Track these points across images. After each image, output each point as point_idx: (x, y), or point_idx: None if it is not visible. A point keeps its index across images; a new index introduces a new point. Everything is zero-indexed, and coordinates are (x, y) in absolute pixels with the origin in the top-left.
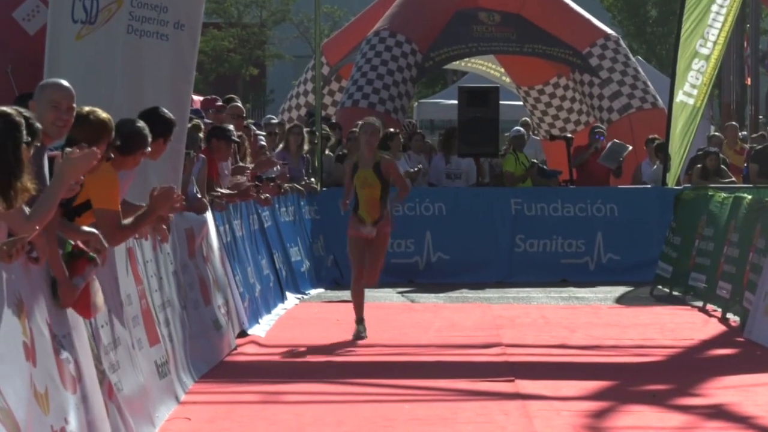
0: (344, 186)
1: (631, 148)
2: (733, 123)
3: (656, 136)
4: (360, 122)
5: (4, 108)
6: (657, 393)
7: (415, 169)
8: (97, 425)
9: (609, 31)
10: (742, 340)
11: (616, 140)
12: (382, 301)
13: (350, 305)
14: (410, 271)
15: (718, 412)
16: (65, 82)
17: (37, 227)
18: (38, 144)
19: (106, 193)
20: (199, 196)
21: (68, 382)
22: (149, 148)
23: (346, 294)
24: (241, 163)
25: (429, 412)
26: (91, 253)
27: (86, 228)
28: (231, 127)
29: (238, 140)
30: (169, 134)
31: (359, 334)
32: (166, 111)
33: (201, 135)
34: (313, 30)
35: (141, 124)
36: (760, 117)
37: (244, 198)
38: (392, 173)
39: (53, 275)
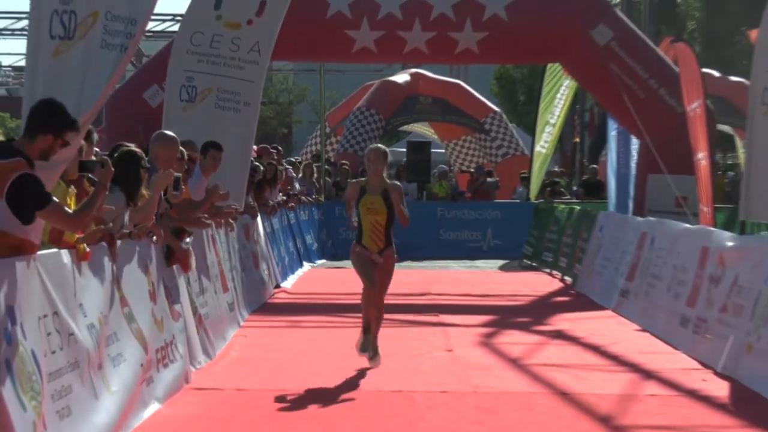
0: (345, 203)
1: (497, 180)
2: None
3: (524, 171)
4: (367, 149)
5: (131, 147)
6: (523, 323)
7: None
8: (192, 340)
9: (496, 108)
10: (573, 292)
11: (489, 179)
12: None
13: (341, 270)
14: None
15: (560, 334)
16: (175, 136)
17: (153, 218)
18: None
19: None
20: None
21: (174, 314)
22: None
23: (341, 263)
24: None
25: (386, 333)
26: (188, 228)
27: (201, 199)
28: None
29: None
30: (214, 151)
31: (364, 348)
32: (214, 141)
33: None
34: (320, 106)
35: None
36: (585, 161)
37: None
38: (397, 202)
39: (172, 247)
